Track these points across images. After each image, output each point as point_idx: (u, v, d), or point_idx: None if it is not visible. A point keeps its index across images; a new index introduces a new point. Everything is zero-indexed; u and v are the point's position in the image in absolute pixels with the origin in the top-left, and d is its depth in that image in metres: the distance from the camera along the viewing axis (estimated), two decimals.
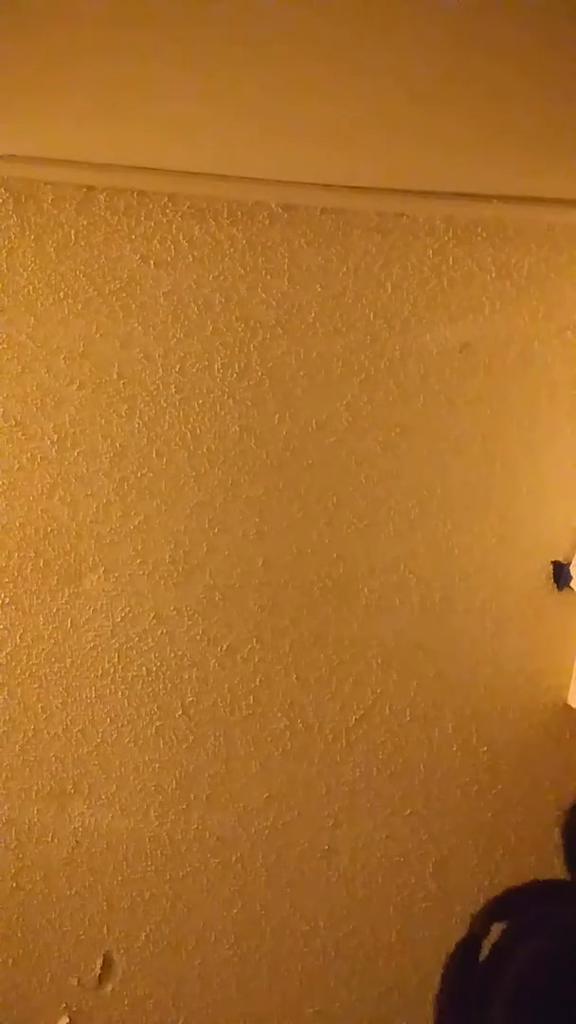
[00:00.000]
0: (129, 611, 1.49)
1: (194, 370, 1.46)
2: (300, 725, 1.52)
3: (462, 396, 1.48)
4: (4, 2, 0.89)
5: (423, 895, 1.55)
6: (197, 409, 1.46)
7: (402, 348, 1.47)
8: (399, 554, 1.50)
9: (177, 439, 1.47)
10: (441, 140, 1.21)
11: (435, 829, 1.55)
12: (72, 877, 1.54)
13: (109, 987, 1.57)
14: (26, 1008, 1.57)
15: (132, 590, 1.49)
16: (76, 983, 1.57)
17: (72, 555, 1.48)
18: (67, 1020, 1.57)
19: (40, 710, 1.50)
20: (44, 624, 1.49)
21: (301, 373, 1.46)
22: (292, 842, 1.55)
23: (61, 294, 1.44)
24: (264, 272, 1.44)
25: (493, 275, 1.46)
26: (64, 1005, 1.57)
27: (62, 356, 1.45)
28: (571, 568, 1.49)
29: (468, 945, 0.68)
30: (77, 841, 1.53)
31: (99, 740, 1.51)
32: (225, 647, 1.50)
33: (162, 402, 1.46)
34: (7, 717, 1.50)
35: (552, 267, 1.46)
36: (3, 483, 1.46)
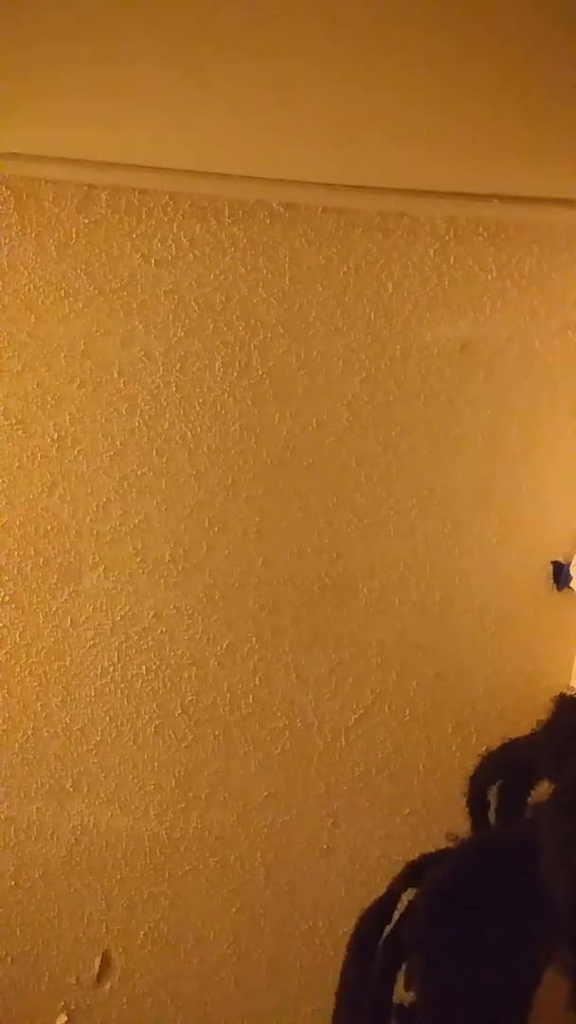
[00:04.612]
0: (129, 610, 1.49)
1: (195, 369, 1.46)
2: (299, 724, 1.52)
3: (462, 396, 1.48)
4: (7, 4, 0.89)
5: None
6: (197, 408, 1.46)
7: (403, 347, 1.47)
8: (399, 554, 1.50)
9: (177, 438, 1.47)
10: (442, 140, 1.21)
11: (434, 829, 1.55)
12: (71, 875, 1.54)
13: (107, 985, 1.57)
14: (25, 1006, 1.57)
15: (132, 589, 1.49)
16: (75, 981, 1.57)
17: (72, 553, 1.48)
18: (65, 1018, 1.57)
19: (39, 708, 1.50)
20: (44, 622, 1.49)
21: (302, 372, 1.46)
22: (291, 841, 1.55)
23: (62, 292, 1.43)
24: (265, 271, 1.44)
25: (494, 275, 1.46)
26: (63, 1003, 1.58)
27: (62, 354, 1.45)
28: (571, 568, 1.49)
29: (382, 904, 0.70)
30: (76, 839, 1.53)
31: (98, 739, 1.51)
32: (225, 646, 1.50)
33: (162, 401, 1.46)
34: (6, 715, 1.50)
35: (553, 267, 1.46)
36: (3, 481, 1.46)
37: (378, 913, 0.69)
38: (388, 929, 0.69)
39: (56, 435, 1.46)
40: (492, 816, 0.69)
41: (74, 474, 1.47)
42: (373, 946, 0.69)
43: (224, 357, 1.45)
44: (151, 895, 1.55)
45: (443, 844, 1.55)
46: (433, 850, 0.71)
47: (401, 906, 0.73)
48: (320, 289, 1.45)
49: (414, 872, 0.70)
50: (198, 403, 1.46)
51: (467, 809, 0.69)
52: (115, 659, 1.50)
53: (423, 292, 1.46)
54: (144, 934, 1.56)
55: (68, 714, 1.51)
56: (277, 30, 0.92)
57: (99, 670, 1.50)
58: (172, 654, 1.50)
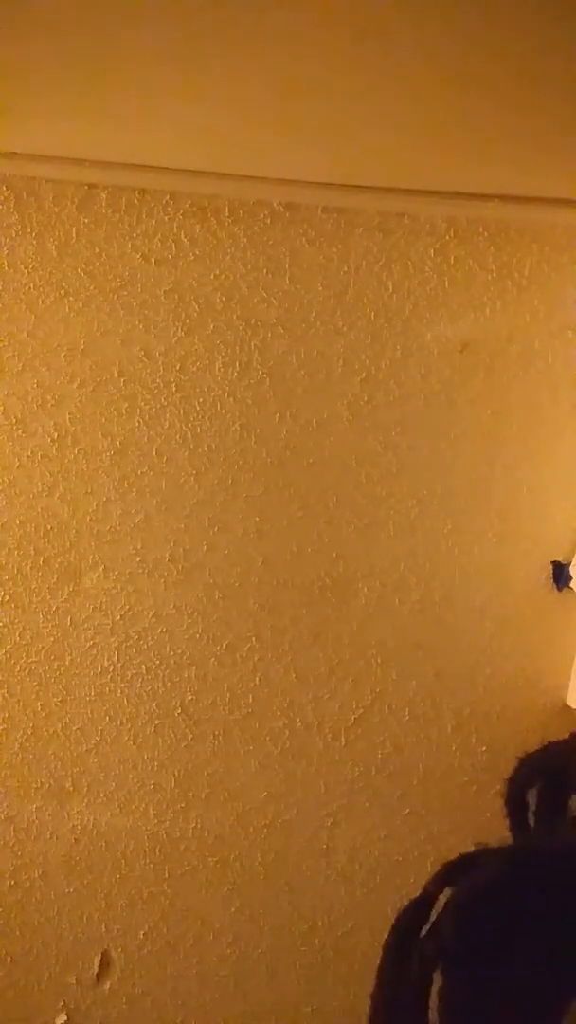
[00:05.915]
0: (129, 609, 1.49)
1: (195, 368, 1.46)
2: (299, 724, 1.52)
3: (463, 396, 1.48)
4: (6, 3, 0.89)
5: None
6: (198, 408, 1.46)
7: (403, 347, 1.47)
8: (399, 554, 1.50)
9: (177, 437, 1.47)
10: (443, 140, 1.21)
11: (433, 829, 1.55)
12: (70, 875, 1.54)
13: (107, 985, 1.57)
14: (24, 1006, 1.57)
15: (132, 588, 1.49)
16: (74, 981, 1.57)
17: (72, 553, 1.48)
18: (65, 1018, 1.57)
19: (39, 708, 1.50)
20: (43, 622, 1.49)
21: (302, 372, 1.46)
22: (291, 841, 1.55)
23: (62, 292, 1.44)
24: (265, 271, 1.44)
25: (494, 275, 1.46)
26: (62, 1003, 1.58)
27: (63, 354, 1.45)
28: (571, 568, 1.49)
29: (418, 904, 0.70)
30: (76, 839, 1.53)
31: (98, 738, 1.51)
32: (224, 646, 1.50)
33: (163, 400, 1.46)
34: (6, 715, 1.50)
35: (553, 267, 1.46)
36: (3, 480, 1.46)
37: (414, 913, 0.69)
38: (425, 929, 0.69)
39: (56, 435, 1.46)
40: (532, 819, 0.68)
41: (74, 474, 1.47)
42: (409, 947, 0.68)
43: (224, 357, 1.46)
44: (151, 895, 1.55)
45: (441, 843, 1.55)
46: (466, 851, 0.71)
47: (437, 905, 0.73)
48: (320, 289, 1.45)
49: (451, 872, 0.70)
50: (198, 403, 1.46)
51: (506, 811, 0.69)
52: (115, 659, 1.50)
53: (423, 292, 1.46)
54: (144, 934, 1.56)
55: (68, 714, 1.51)
56: (277, 28, 0.92)
57: (99, 670, 1.50)
58: (172, 654, 1.50)
